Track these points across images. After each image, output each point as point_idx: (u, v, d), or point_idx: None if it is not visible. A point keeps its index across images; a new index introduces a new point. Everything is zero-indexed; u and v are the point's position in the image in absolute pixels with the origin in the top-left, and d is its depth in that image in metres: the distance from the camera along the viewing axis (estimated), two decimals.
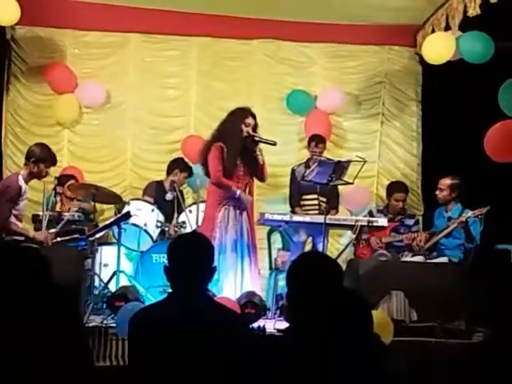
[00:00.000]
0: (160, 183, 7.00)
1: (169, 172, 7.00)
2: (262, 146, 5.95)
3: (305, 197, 6.89)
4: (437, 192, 6.40)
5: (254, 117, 5.92)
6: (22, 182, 5.74)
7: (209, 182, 5.99)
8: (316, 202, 6.80)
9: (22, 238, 5.67)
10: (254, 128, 5.90)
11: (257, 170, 5.96)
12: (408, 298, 5.50)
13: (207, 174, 5.94)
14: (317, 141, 6.95)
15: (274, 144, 5.99)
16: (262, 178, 6.10)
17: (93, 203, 6.35)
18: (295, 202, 6.94)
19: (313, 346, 2.33)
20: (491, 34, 6.46)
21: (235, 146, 5.81)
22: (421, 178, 7.86)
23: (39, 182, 6.13)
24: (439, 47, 6.64)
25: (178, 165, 6.99)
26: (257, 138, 5.85)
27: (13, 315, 2.57)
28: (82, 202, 6.70)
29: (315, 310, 2.36)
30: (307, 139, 7.17)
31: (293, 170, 7.05)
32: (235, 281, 5.74)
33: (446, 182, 6.33)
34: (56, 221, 6.18)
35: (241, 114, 5.89)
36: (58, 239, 5.97)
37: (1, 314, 2.58)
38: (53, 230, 5.97)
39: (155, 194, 6.87)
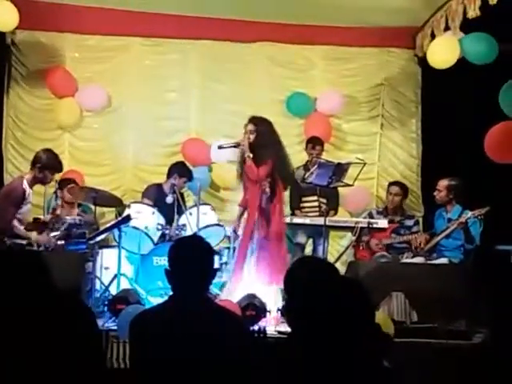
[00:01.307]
0: (159, 186, 6.99)
1: (169, 175, 6.98)
2: None
3: (304, 199, 6.89)
4: (435, 193, 6.43)
5: (253, 123, 5.88)
6: (26, 186, 5.76)
7: None
8: (316, 203, 6.80)
9: (24, 242, 5.69)
10: (257, 132, 5.84)
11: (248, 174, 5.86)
12: (408, 299, 5.51)
13: None
14: (314, 143, 6.95)
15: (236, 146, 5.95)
16: (256, 181, 5.85)
17: (94, 212, 6.33)
18: (295, 204, 6.94)
19: (312, 351, 2.35)
20: (491, 35, 6.46)
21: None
22: (421, 179, 7.86)
23: (40, 186, 6.15)
24: (444, 52, 6.63)
25: (177, 169, 6.94)
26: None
27: (14, 320, 2.56)
28: (83, 214, 6.66)
29: (313, 319, 2.40)
30: (305, 141, 7.19)
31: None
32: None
33: (444, 183, 6.37)
34: (57, 224, 6.18)
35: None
36: (60, 242, 5.98)
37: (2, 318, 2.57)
38: (55, 233, 5.98)
39: (154, 196, 6.85)
